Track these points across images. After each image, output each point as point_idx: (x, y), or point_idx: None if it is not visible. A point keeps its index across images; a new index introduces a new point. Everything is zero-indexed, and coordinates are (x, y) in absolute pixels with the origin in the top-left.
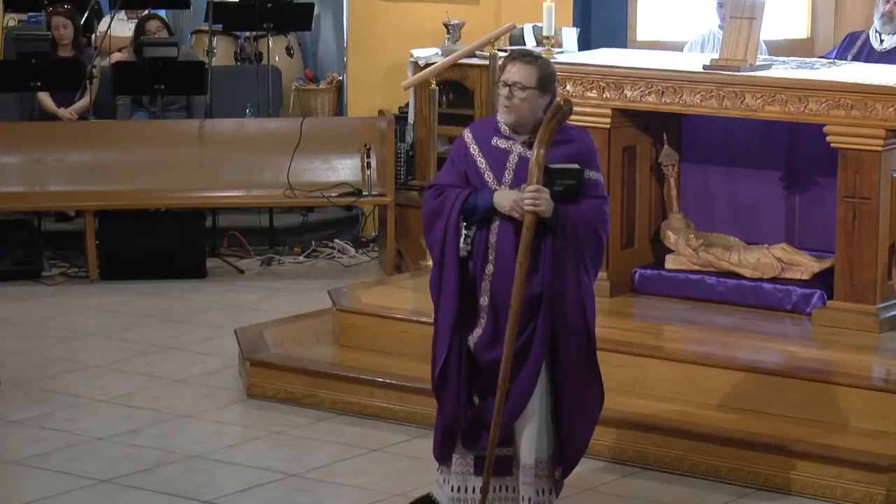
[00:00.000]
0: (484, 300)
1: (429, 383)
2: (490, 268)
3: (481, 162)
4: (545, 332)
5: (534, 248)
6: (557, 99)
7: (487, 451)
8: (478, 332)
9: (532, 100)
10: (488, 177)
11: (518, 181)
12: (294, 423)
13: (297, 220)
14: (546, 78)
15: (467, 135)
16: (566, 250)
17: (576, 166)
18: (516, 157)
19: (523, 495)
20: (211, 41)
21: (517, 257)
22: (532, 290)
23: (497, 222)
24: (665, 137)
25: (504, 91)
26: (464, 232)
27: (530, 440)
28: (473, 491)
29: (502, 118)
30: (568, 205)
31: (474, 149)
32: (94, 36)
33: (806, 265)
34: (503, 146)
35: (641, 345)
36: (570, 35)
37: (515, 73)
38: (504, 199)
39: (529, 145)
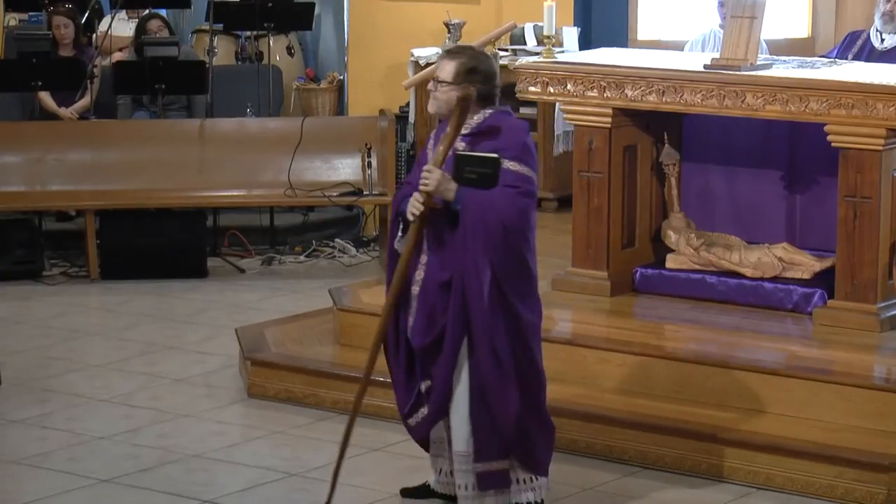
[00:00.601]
0: (415, 289)
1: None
2: (424, 257)
3: (430, 154)
4: (454, 318)
5: (443, 233)
6: (465, 90)
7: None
8: (410, 320)
9: (451, 94)
10: None
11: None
12: (295, 423)
13: (297, 220)
14: (464, 72)
15: (432, 135)
16: (468, 237)
17: (493, 155)
18: (451, 151)
19: (458, 482)
20: (212, 41)
21: (410, 238)
22: (442, 277)
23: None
24: (666, 137)
25: (431, 86)
26: (399, 232)
27: (457, 429)
28: (449, 474)
29: (428, 108)
30: (475, 191)
31: (431, 143)
32: (94, 35)
33: (807, 265)
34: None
35: (642, 344)
36: (571, 34)
37: (438, 68)
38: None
39: (463, 137)
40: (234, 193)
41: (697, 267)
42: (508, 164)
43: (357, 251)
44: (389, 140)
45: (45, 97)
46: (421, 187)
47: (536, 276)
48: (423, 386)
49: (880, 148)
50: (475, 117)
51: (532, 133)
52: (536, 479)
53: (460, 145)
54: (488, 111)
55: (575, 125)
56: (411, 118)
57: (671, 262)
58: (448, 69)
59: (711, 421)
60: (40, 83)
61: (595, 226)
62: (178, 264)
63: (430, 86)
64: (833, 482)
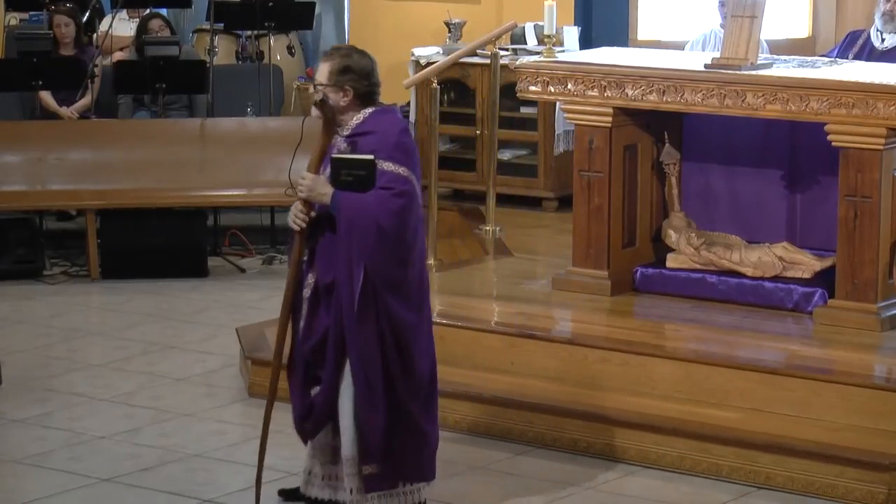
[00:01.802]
0: (306, 292)
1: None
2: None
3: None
4: (335, 322)
5: (327, 236)
6: (315, 95)
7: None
8: (301, 322)
9: (329, 95)
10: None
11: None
12: None
13: None
14: (337, 72)
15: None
16: (343, 241)
17: (368, 157)
18: (336, 150)
19: (346, 486)
20: (212, 40)
21: (295, 247)
22: (325, 280)
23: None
24: (666, 136)
25: (313, 90)
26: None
27: (344, 433)
28: (310, 473)
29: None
30: (350, 194)
31: (333, 151)
32: (95, 35)
33: (807, 264)
34: (336, 143)
35: (643, 343)
36: (572, 34)
37: (317, 71)
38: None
39: (345, 137)
40: (235, 193)
41: (698, 266)
42: (383, 165)
43: None
44: None
45: (46, 97)
46: (298, 194)
47: (424, 278)
48: (314, 391)
49: (881, 147)
50: (354, 118)
51: (532, 132)
52: (415, 483)
53: (343, 146)
54: (368, 111)
55: (575, 124)
56: (412, 117)
57: (672, 261)
58: (323, 71)
59: (712, 420)
60: (41, 83)
61: (595, 225)
62: (179, 264)
63: (312, 90)
64: (833, 482)
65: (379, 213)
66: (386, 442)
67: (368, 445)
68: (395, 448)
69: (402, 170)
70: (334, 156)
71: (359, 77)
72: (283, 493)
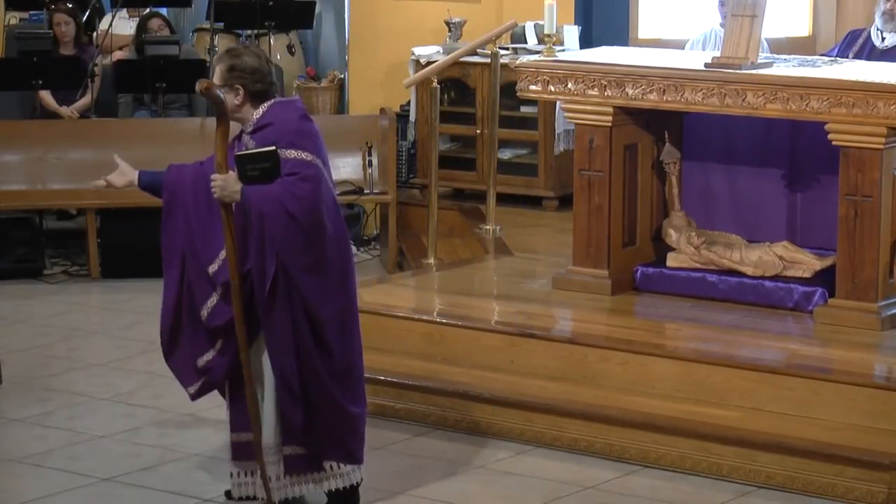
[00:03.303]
0: (218, 276)
1: (429, 381)
2: (223, 252)
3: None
4: (247, 305)
5: (241, 229)
6: (204, 83)
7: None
8: (210, 301)
9: (225, 96)
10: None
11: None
12: None
13: None
14: (226, 73)
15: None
16: (254, 233)
17: (270, 148)
18: (241, 146)
19: (270, 475)
20: (212, 39)
21: (225, 242)
22: (240, 269)
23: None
24: (666, 135)
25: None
26: None
27: (265, 421)
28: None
29: None
30: (257, 187)
31: (237, 145)
32: (95, 34)
33: (807, 263)
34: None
35: (643, 343)
36: (572, 33)
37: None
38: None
39: (249, 134)
40: None
41: (698, 265)
42: (286, 153)
43: (358, 250)
44: (390, 139)
45: (46, 96)
46: (213, 195)
47: (347, 259)
48: (203, 360)
49: (881, 146)
50: (254, 114)
51: (533, 132)
52: (344, 465)
53: (251, 143)
54: (265, 105)
55: (576, 124)
56: (412, 117)
57: (672, 260)
58: (216, 73)
59: (712, 420)
60: (41, 82)
61: (596, 224)
62: None
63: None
64: (833, 481)
65: (286, 199)
66: (307, 423)
67: (290, 427)
68: (318, 429)
69: (305, 155)
70: (237, 153)
71: (248, 75)
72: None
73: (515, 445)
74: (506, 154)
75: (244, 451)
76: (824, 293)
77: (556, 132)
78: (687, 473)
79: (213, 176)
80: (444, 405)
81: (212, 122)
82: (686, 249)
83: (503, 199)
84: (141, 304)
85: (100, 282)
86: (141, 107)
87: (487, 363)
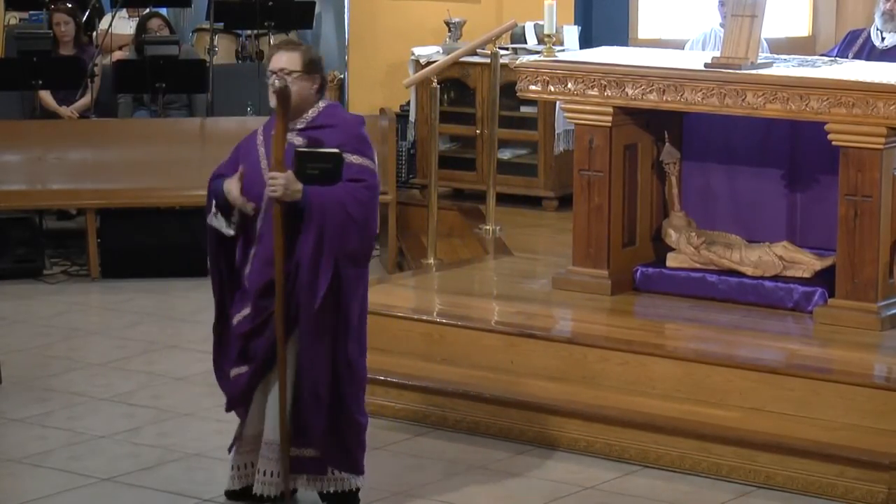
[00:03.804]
0: (245, 282)
1: (429, 381)
2: (253, 251)
3: (262, 151)
4: (282, 312)
5: (290, 231)
6: (277, 85)
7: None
8: (245, 312)
9: (298, 83)
10: (263, 163)
11: (285, 165)
12: None
13: None
14: (309, 62)
15: (260, 130)
16: (310, 232)
17: (334, 150)
18: (288, 144)
19: (262, 469)
20: (212, 39)
21: (274, 241)
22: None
23: (263, 207)
24: (666, 136)
25: (271, 78)
26: (222, 219)
27: (271, 417)
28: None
29: (271, 102)
30: (320, 188)
31: (260, 138)
32: (95, 34)
33: (807, 263)
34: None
35: (643, 343)
36: (572, 33)
37: (279, 60)
38: (230, 185)
39: (297, 131)
40: None
41: (698, 266)
42: (351, 158)
43: None
44: (390, 139)
45: (46, 96)
46: (270, 194)
47: (366, 274)
48: (236, 371)
49: (881, 146)
50: (310, 111)
51: (533, 132)
52: (344, 472)
53: (298, 140)
54: (321, 104)
55: (575, 124)
56: (412, 117)
57: (672, 260)
58: (295, 59)
59: (712, 420)
60: (41, 82)
61: (595, 225)
62: (179, 263)
63: (273, 79)
64: (833, 481)
65: (350, 203)
66: (327, 430)
67: (310, 432)
68: (333, 437)
69: (370, 163)
70: (300, 149)
71: (321, 70)
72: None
73: (515, 445)
74: (506, 154)
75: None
76: (824, 293)
77: (556, 132)
78: (687, 473)
79: (274, 174)
80: (444, 405)
81: (212, 122)
82: (686, 249)
83: (503, 199)
84: (141, 304)
85: (100, 282)
86: (141, 107)
87: (487, 363)
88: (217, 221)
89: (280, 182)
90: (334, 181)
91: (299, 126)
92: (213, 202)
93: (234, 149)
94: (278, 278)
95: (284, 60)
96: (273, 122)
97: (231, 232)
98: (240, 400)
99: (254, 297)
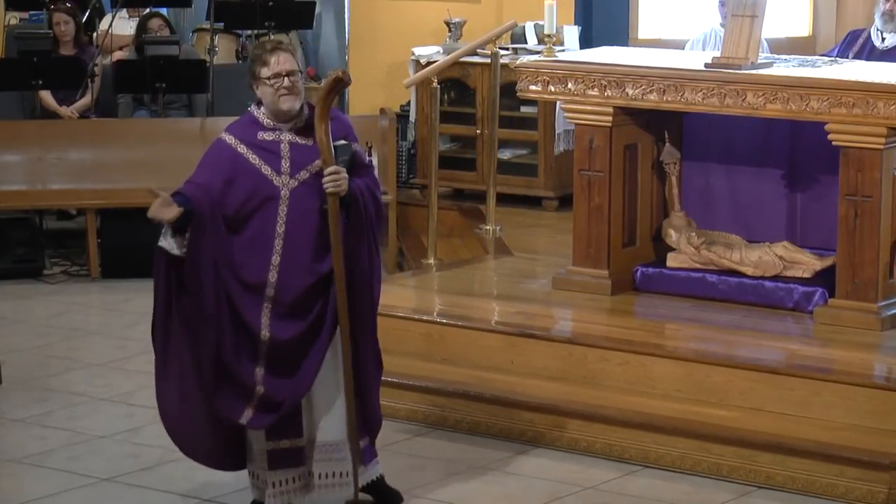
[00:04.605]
0: (270, 291)
1: (429, 381)
2: (276, 258)
3: (254, 159)
4: (334, 309)
5: (313, 228)
6: (336, 70)
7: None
8: (265, 319)
9: (300, 83)
10: (265, 170)
11: (297, 167)
12: None
13: None
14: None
15: (228, 137)
16: (359, 225)
17: (345, 141)
18: (287, 145)
19: (319, 472)
20: (212, 39)
21: (331, 240)
22: (322, 270)
23: (285, 211)
24: (666, 136)
25: (282, 81)
26: (172, 240)
27: (338, 417)
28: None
29: (286, 106)
30: (354, 180)
31: (242, 148)
32: (95, 34)
33: (807, 263)
34: (270, 138)
35: (643, 343)
36: (572, 33)
37: (286, 61)
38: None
39: (296, 131)
40: None
41: (698, 266)
42: (355, 146)
43: None
44: (390, 139)
45: (46, 96)
46: (332, 189)
47: None
48: (260, 380)
49: (881, 147)
50: (305, 109)
51: (533, 132)
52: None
53: (294, 139)
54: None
55: (576, 124)
56: (412, 117)
57: (672, 260)
58: (294, 60)
59: (712, 420)
60: (41, 82)
61: (596, 225)
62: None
63: (282, 82)
64: (834, 481)
65: (376, 189)
66: (376, 418)
67: (374, 418)
68: (378, 423)
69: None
70: (336, 143)
71: None
72: None
73: (515, 445)
74: (506, 154)
75: (284, 459)
76: (824, 293)
77: (556, 132)
78: (687, 473)
79: (333, 168)
80: (444, 405)
81: (212, 122)
82: (686, 249)
83: (503, 199)
84: (141, 305)
85: (100, 282)
86: (141, 107)
87: (487, 363)
88: (168, 242)
89: (342, 175)
90: (350, 171)
91: (299, 125)
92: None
93: (208, 163)
94: (338, 274)
95: (291, 62)
96: (244, 128)
97: (180, 253)
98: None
99: (288, 306)
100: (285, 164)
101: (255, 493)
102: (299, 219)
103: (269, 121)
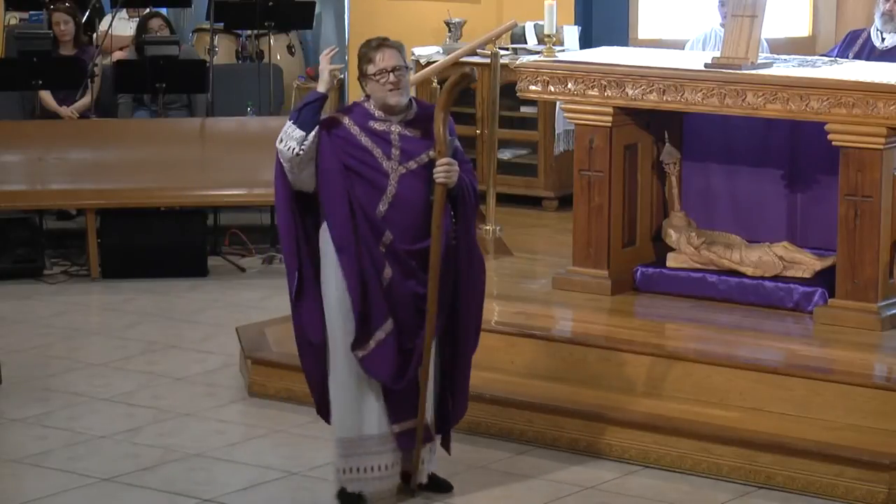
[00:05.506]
0: (381, 248)
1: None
2: (389, 234)
3: (366, 141)
4: (444, 296)
5: (425, 222)
6: (465, 69)
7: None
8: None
9: (406, 79)
10: (377, 153)
11: (406, 156)
12: (295, 422)
13: None
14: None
15: (341, 116)
16: (468, 212)
17: (450, 137)
18: (396, 135)
19: (422, 457)
20: (212, 39)
21: (431, 229)
22: (419, 244)
23: (397, 175)
24: (666, 136)
25: (388, 77)
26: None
27: (427, 398)
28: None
29: (394, 100)
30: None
31: (356, 129)
32: (95, 34)
33: (807, 263)
34: (381, 128)
35: (643, 343)
36: (572, 33)
37: (391, 57)
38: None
39: (404, 124)
40: (235, 192)
41: (698, 266)
42: (457, 143)
43: None
44: None
45: (46, 96)
46: (443, 179)
47: None
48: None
49: (881, 147)
50: (411, 103)
51: (533, 132)
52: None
53: (407, 132)
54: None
55: (575, 124)
56: None
57: (672, 260)
58: (401, 56)
59: (712, 420)
60: (41, 82)
61: (596, 225)
62: (179, 263)
63: (387, 78)
64: (834, 481)
65: (474, 181)
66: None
67: (464, 405)
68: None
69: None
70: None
71: None
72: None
73: (515, 445)
74: (506, 154)
75: (410, 440)
76: (824, 293)
77: (556, 132)
78: (687, 473)
79: (447, 159)
80: None
81: (212, 122)
82: (686, 249)
83: (503, 199)
84: (141, 305)
85: (100, 282)
86: (141, 107)
87: (487, 364)
88: (293, 138)
89: (455, 168)
90: None
91: (409, 118)
92: (299, 123)
93: (318, 130)
94: (433, 262)
95: (396, 57)
96: (359, 115)
97: (301, 150)
98: (398, 375)
99: (394, 260)
100: (395, 153)
101: (352, 486)
102: (400, 205)
103: (379, 113)
